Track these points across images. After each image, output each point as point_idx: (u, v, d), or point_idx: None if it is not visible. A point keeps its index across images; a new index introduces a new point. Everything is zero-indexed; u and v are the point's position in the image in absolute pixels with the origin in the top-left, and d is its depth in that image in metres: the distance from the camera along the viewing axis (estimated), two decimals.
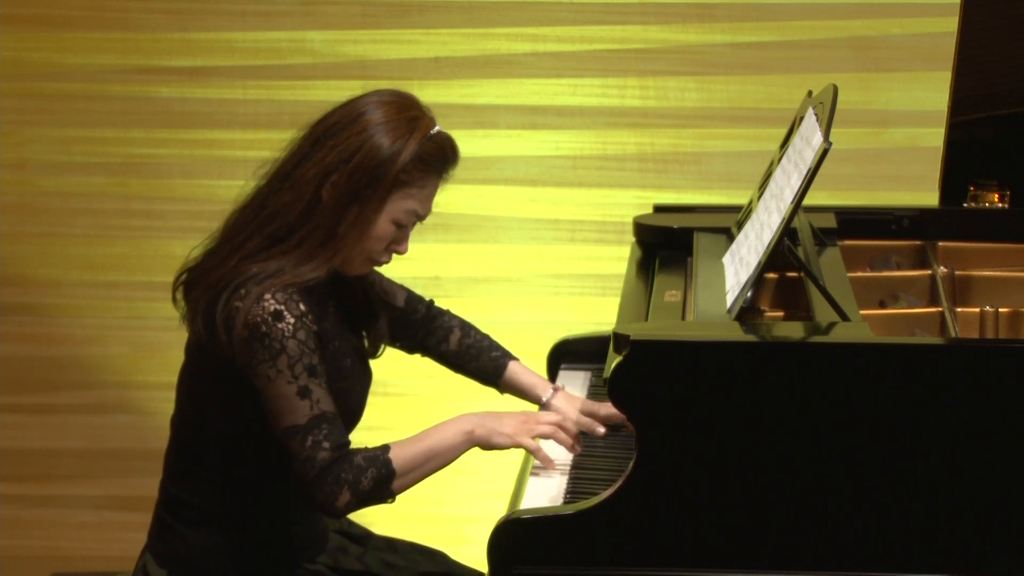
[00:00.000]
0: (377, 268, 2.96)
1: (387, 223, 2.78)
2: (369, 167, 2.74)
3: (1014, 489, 2.56)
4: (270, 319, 2.70)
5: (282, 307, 2.71)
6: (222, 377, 2.77)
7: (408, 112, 2.79)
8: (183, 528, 2.86)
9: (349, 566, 2.96)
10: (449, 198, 4.20)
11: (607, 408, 3.02)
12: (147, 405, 4.56)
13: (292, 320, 2.71)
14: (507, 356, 3.13)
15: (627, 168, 4.51)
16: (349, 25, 4.48)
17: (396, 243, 2.82)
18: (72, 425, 4.62)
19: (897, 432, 2.55)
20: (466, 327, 3.15)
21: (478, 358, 3.12)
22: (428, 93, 4.14)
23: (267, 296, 2.70)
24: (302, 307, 2.72)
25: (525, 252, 4.53)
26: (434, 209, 2.84)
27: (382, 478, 2.71)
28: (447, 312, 3.16)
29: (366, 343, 2.98)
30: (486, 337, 3.15)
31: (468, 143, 4.19)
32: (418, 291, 3.16)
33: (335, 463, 2.69)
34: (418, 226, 2.85)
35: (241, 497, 2.85)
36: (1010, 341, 3.02)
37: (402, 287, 3.11)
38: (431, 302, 3.15)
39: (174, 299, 2.86)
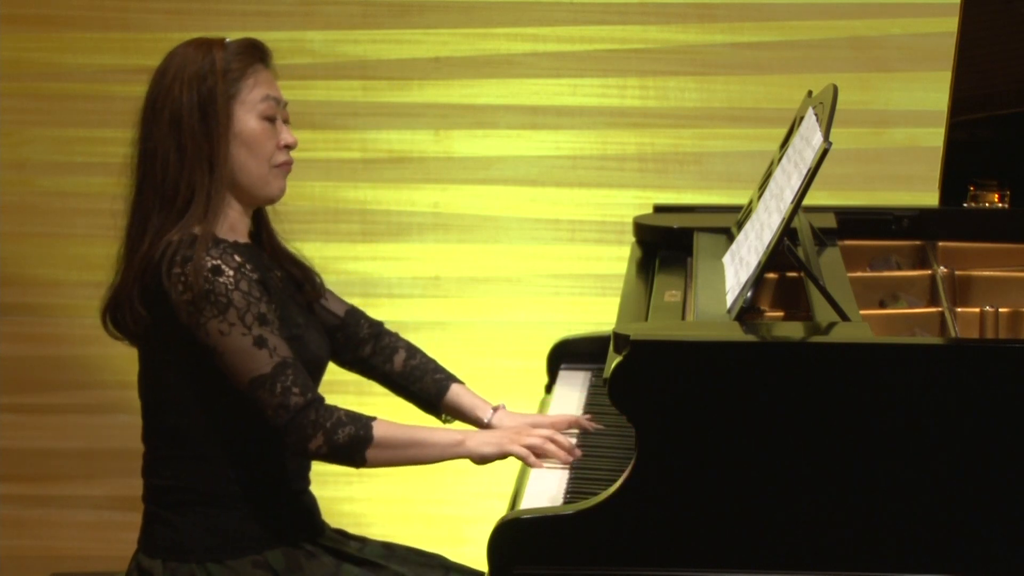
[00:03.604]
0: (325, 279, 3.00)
1: (254, 121, 2.85)
2: (198, 91, 2.82)
3: (1014, 489, 2.55)
4: (210, 275, 2.73)
5: (218, 261, 2.75)
6: (174, 355, 2.81)
7: (195, 40, 2.90)
8: (169, 514, 2.87)
9: (349, 551, 2.96)
10: (449, 198, 4.17)
11: (551, 419, 3.02)
12: None
13: (231, 272, 2.75)
14: (451, 378, 3.11)
15: (627, 168, 4.51)
16: (349, 25, 4.48)
17: (279, 138, 2.88)
18: (72, 425, 4.62)
19: (897, 432, 2.55)
20: (412, 349, 3.13)
21: (421, 379, 3.10)
22: (428, 93, 4.12)
23: (201, 255, 2.73)
24: (238, 258, 2.76)
25: (525, 252, 4.53)
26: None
27: (359, 439, 2.74)
28: (395, 333, 3.15)
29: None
30: (432, 360, 3.13)
31: (468, 143, 4.18)
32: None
33: (310, 407, 2.74)
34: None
35: (219, 473, 2.86)
36: (1010, 341, 3.01)
37: (347, 304, 3.12)
38: (380, 323, 3.15)
39: (104, 326, 2.89)
